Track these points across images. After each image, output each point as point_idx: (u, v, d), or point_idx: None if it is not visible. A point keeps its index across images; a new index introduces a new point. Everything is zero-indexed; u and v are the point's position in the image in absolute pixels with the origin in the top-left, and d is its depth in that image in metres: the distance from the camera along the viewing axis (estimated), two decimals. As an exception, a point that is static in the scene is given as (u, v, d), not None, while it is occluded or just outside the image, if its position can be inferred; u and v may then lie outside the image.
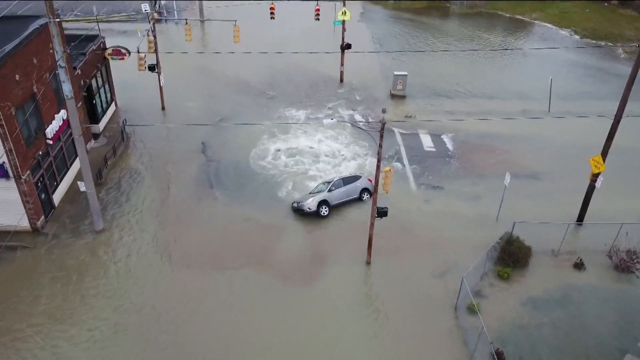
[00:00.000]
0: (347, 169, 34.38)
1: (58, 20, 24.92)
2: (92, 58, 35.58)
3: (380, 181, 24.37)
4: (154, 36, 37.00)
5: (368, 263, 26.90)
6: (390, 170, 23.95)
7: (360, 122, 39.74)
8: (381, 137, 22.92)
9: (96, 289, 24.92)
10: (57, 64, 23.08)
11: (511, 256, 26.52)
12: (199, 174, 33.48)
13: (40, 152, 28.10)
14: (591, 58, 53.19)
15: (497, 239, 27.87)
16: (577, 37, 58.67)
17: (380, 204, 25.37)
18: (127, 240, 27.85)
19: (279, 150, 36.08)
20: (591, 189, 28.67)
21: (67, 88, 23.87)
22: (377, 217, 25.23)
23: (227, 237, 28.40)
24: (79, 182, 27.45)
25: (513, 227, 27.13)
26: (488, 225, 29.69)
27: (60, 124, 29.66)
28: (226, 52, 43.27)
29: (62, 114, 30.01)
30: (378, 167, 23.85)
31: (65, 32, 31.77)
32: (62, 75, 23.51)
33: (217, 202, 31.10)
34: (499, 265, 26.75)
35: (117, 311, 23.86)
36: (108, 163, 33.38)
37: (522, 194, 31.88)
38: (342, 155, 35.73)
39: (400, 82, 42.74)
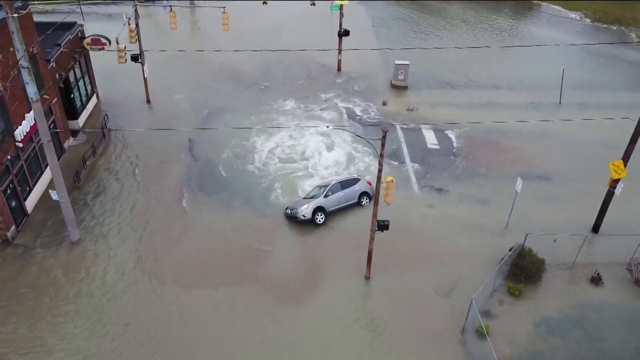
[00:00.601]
0: (345, 169, 32.02)
1: (23, 12, 22.34)
2: (69, 48, 32.82)
3: (382, 192, 22.07)
4: (137, 24, 34.18)
5: (367, 278, 24.76)
6: (392, 181, 21.61)
7: (359, 116, 37.23)
8: (382, 146, 20.52)
9: (69, 313, 22.74)
10: (19, 64, 20.49)
11: (523, 271, 24.38)
12: (185, 176, 31.07)
13: (9, 157, 25.64)
14: (601, 43, 50.39)
15: (507, 250, 25.77)
16: (587, 20, 55.76)
17: (381, 211, 23.09)
18: (106, 254, 25.56)
19: (271, 148, 33.62)
20: (609, 196, 26.39)
21: (31, 90, 21.32)
22: (378, 230, 22.99)
23: (214, 249, 26.14)
24: (50, 191, 25.06)
25: (525, 239, 24.92)
26: (497, 233, 27.49)
27: (32, 124, 27.12)
28: (217, 39, 40.56)
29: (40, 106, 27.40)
30: (379, 178, 21.51)
31: (44, 14, 29.02)
32: (26, 76, 20.95)
33: (203, 208, 28.74)
34: (510, 281, 24.63)
35: (92, 338, 21.70)
36: (87, 164, 30.94)
37: (532, 197, 29.64)
38: (339, 154, 33.35)
39: (402, 72, 40.09)
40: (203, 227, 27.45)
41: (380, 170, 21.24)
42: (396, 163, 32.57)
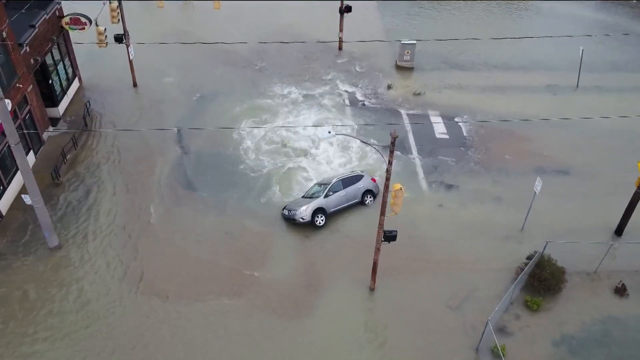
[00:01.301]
0: (346, 161, 29.65)
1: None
2: (45, 29, 29.96)
3: (389, 201, 19.80)
4: (119, 2, 31.20)
5: (372, 289, 22.70)
6: (401, 189, 19.28)
7: (361, 101, 34.58)
8: (391, 153, 18.10)
9: (45, 331, 20.73)
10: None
11: (542, 283, 22.29)
12: (173, 172, 28.68)
13: (-23, 155, 23.30)
14: (621, 17, 47.15)
15: (523, 256, 23.76)
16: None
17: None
18: (87, 263, 23.43)
19: (265, 137, 31.14)
20: (637, 197, 24.12)
21: (-7, 87, 18.79)
22: (385, 241, 20.80)
23: (205, 256, 23.98)
24: (23, 195, 22.74)
25: (545, 247, 22.74)
26: (512, 237, 25.32)
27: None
28: (209, 16, 37.56)
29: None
30: (387, 186, 19.18)
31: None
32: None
33: (193, 208, 26.44)
34: (527, 292, 22.59)
35: (69, 361, 19.80)
36: (67, 157, 28.53)
37: (549, 194, 27.23)
38: (341, 146, 30.91)
39: (408, 53, 37.21)
40: (194, 231, 25.23)
41: (388, 179, 18.87)
42: (402, 155, 30.15)
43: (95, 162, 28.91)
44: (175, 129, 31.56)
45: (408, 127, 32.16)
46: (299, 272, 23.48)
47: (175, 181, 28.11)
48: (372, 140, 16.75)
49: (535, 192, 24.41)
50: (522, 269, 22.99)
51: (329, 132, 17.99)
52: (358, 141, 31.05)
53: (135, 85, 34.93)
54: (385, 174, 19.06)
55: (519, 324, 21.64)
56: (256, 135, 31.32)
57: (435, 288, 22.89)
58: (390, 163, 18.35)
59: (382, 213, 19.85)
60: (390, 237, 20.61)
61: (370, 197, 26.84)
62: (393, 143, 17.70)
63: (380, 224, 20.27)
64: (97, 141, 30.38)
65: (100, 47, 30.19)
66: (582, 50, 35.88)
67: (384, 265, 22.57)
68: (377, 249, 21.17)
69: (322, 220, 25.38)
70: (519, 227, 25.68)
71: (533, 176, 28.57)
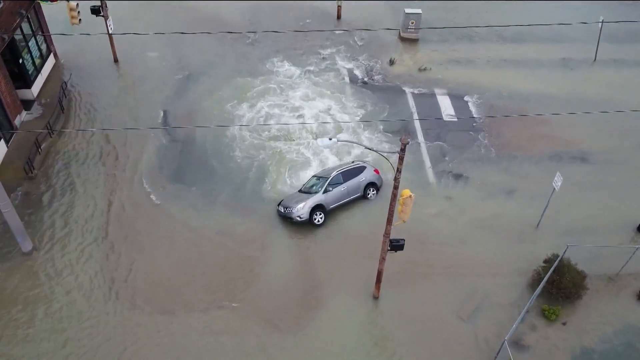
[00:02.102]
0: (345, 146, 27.37)
1: None
2: (11, 3, 26.91)
3: (397, 208, 17.70)
4: (94, -30, 28.12)
5: (376, 298, 20.86)
6: (411, 197, 17.13)
7: (361, 79, 31.93)
8: (401, 160, 15.85)
9: (17, 346, 18.91)
10: None
11: (561, 291, 20.46)
12: (160, 162, 26.34)
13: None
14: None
15: (539, 259, 21.88)
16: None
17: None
18: (64, 270, 21.40)
19: (260, 121, 28.71)
20: (665, 192, 22.09)
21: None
22: (391, 251, 18.81)
23: (194, 261, 21.98)
24: (-12, 199, 20.49)
25: (565, 251, 20.78)
26: (527, 235, 23.36)
27: (-35, 108, 22.13)
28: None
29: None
30: (394, 195, 17.02)
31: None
32: None
33: (181, 206, 24.26)
34: (544, 300, 20.79)
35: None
36: (42, 147, 26.11)
37: (566, 184, 24.99)
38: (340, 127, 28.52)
39: (412, 23, 34.29)
40: (182, 231, 23.13)
41: (396, 187, 16.68)
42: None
43: (73, 151, 26.50)
44: (161, 112, 29.04)
45: (413, 109, 29.70)
46: (297, 277, 21.55)
47: (162, 174, 25.81)
48: (380, 141, 14.61)
49: (554, 189, 22.29)
50: (538, 274, 21.18)
51: (330, 139, 15.67)
52: (361, 121, 28.73)
53: (116, 60, 32.10)
54: (395, 176, 16.84)
55: (536, 336, 19.93)
56: (250, 119, 28.85)
57: (444, 295, 21.05)
58: (399, 171, 16.11)
59: (389, 222, 17.75)
60: (397, 246, 18.60)
61: (373, 191, 24.71)
62: (403, 150, 15.42)
63: (387, 233, 18.20)
64: (76, 127, 27.86)
65: (72, 24, 27.24)
66: (602, 20, 32.99)
67: (388, 269, 20.64)
68: (382, 259, 19.17)
69: (321, 219, 23.32)
70: (534, 223, 23.69)
71: (548, 164, 26.66)
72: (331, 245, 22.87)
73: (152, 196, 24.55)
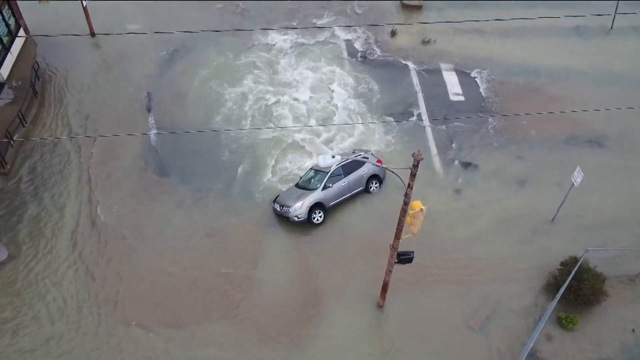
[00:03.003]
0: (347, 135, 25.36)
1: None
2: (-30, -25, 24.11)
3: (406, 218, 15.98)
4: None
5: (380, 306, 19.43)
6: (422, 210, 15.38)
7: (360, 53, 29.47)
8: (413, 177, 13.98)
9: None
10: None
11: (579, 297, 19.07)
12: (144, 153, 24.29)
13: None
14: None
15: (554, 256, 20.48)
16: None
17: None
18: (43, 280, 19.75)
19: (252, 102, 26.50)
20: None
21: None
22: (398, 263, 17.22)
23: (183, 269, 20.34)
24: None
25: (584, 254, 19.28)
26: (541, 230, 21.83)
27: None
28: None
29: None
30: (404, 210, 15.24)
31: None
32: None
33: (168, 203, 22.41)
34: (561, 306, 19.40)
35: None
36: (14, 138, 23.92)
37: (582, 171, 23.50)
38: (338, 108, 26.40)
39: (415, -11, 31.58)
40: (169, 235, 21.38)
41: (406, 203, 14.87)
42: (412, 123, 25.83)
43: (49, 142, 24.34)
44: (145, 95, 26.71)
45: (417, 87, 27.48)
46: (296, 285, 20.03)
47: (147, 165, 23.82)
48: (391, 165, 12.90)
49: (572, 184, 20.54)
50: (554, 277, 19.76)
51: (333, 157, 13.73)
52: (361, 107, 26.61)
53: (92, 34, 29.37)
54: (405, 192, 15.00)
55: (552, 348, 18.68)
56: (242, 101, 26.62)
57: (454, 302, 19.65)
58: (410, 187, 14.26)
59: (397, 237, 16.06)
60: (405, 259, 16.98)
61: (376, 183, 22.90)
62: (416, 166, 13.53)
63: (394, 247, 16.53)
64: (51, 114, 25.58)
65: (40, 3, 24.47)
66: (621, -16, 30.36)
67: (392, 274, 19.11)
68: (389, 271, 17.59)
69: (321, 217, 21.61)
70: (549, 217, 22.09)
71: (562, 148, 24.92)
72: (331, 246, 21.25)
73: (136, 194, 22.65)
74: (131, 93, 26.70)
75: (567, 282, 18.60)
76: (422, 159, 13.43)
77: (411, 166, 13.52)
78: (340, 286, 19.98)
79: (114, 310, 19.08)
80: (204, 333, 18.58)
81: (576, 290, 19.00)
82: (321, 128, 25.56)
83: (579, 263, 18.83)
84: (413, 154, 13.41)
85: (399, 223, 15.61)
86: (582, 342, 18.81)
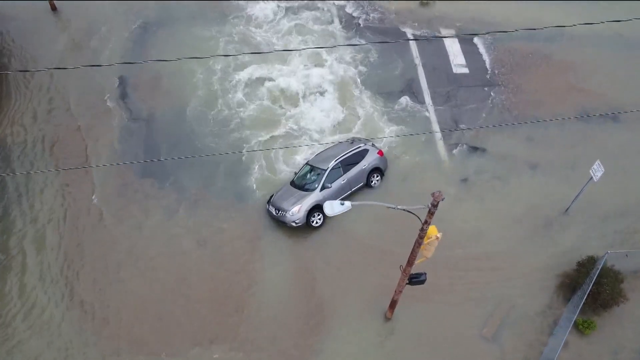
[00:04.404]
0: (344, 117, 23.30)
1: None
2: None
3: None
4: None
5: (388, 319, 18.27)
6: (438, 238, 13.84)
7: (355, 20, 26.74)
8: (431, 216, 12.29)
9: None
10: None
11: (597, 301, 18.02)
12: (120, 148, 22.11)
13: None
14: None
15: (569, 252, 19.38)
16: None
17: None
18: (16, 296, 18.21)
19: (244, 86, 24.12)
20: None
21: None
22: (409, 284, 15.85)
23: (172, 283, 18.82)
24: None
25: (603, 258, 18.03)
26: (554, 222, 20.44)
27: None
28: None
29: None
30: (418, 243, 13.64)
31: None
32: None
33: (152, 209, 20.55)
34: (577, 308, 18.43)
35: None
36: (-25, 139, 21.61)
37: (596, 151, 21.93)
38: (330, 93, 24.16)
39: (411, -60, 28.31)
40: (153, 243, 19.70)
41: (421, 237, 13.24)
42: (412, 104, 23.74)
43: (12, 138, 21.98)
44: (116, 80, 24.14)
45: (417, 59, 25.14)
46: (297, 297, 18.65)
47: (124, 165, 21.70)
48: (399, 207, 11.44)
49: (591, 177, 18.97)
50: (570, 278, 18.63)
51: (342, 204, 11.90)
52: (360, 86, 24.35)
53: (54, 9, 26.23)
54: (422, 227, 13.33)
55: (569, 355, 17.78)
56: (230, 77, 24.19)
57: (464, 310, 18.48)
58: (427, 223, 12.60)
59: (410, 264, 14.56)
60: (417, 282, 15.60)
61: (377, 177, 21.16)
62: (435, 206, 11.81)
63: (406, 273, 15.08)
64: (11, 105, 23.04)
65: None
66: None
67: (398, 276, 17.86)
68: (399, 292, 16.25)
69: (320, 220, 19.99)
70: (562, 206, 20.67)
71: (575, 126, 23.21)
72: (332, 252, 19.75)
73: (115, 200, 20.71)
74: (101, 78, 24.09)
75: (588, 291, 17.44)
76: (442, 200, 11.70)
77: (430, 205, 11.79)
78: (342, 299, 18.62)
79: (109, 333, 17.72)
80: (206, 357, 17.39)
81: (595, 294, 17.92)
82: (313, 110, 23.44)
83: (599, 270, 17.61)
84: (433, 194, 11.66)
85: (412, 252, 14.06)
86: (598, 347, 17.91)
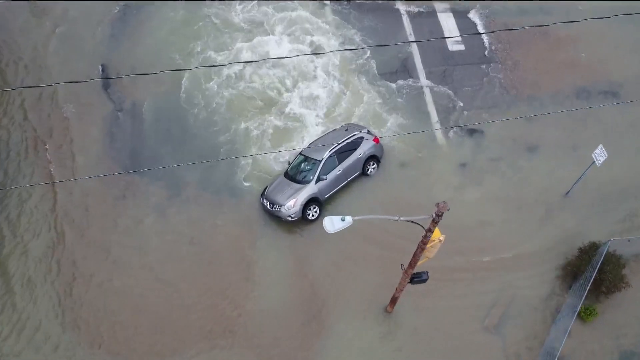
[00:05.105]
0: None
1: None
2: None
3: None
4: None
5: (388, 312, 17.99)
6: (441, 240, 13.39)
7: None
8: (435, 224, 11.77)
9: None
10: None
11: (600, 288, 17.81)
12: (105, 142, 21.22)
13: None
14: None
15: (570, 237, 19.15)
16: None
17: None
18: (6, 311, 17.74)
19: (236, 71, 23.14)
20: None
21: None
22: (411, 283, 15.49)
23: (165, 285, 18.35)
24: None
25: (606, 245, 17.74)
26: (555, 207, 20.08)
27: None
28: None
29: None
30: (422, 248, 13.16)
31: None
32: None
33: (141, 205, 19.86)
34: (579, 297, 18.22)
35: None
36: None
37: (596, 128, 21.44)
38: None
39: None
40: (144, 242, 19.12)
41: (425, 243, 12.76)
42: (407, 83, 22.92)
43: (-6, 138, 21.08)
44: (99, 67, 23.03)
45: (411, 36, 24.15)
46: (294, 296, 18.28)
47: (111, 158, 20.92)
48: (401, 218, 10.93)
49: (595, 161, 18.47)
50: (572, 266, 18.37)
51: (343, 220, 11.30)
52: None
53: (28, -8, 24.77)
54: (425, 234, 12.80)
55: (571, 343, 17.63)
56: (221, 66, 23.18)
57: (464, 300, 18.27)
58: (430, 231, 12.10)
59: (411, 266, 14.15)
60: (418, 281, 15.21)
61: (373, 165, 20.55)
62: (440, 216, 11.28)
63: (408, 274, 14.68)
64: (-9, 100, 22.01)
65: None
66: None
67: (399, 275, 17.50)
68: (400, 290, 15.90)
69: (316, 212, 19.48)
70: (563, 189, 20.25)
71: (575, 103, 22.55)
72: (329, 245, 19.21)
73: (102, 196, 20.00)
74: (83, 66, 22.95)
75: (591, 279, 17.19)
76: (448, 210, 11.17)
77: (434, 215, 11.25)
78: (341, 293, 18.31)
79: (101, 343, 17.35)
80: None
81: (597, 282, 17.70)
82: (304, 95, 22.60)
83: (602, 258, 17.32)
84: (437, 205, 11.11)
85: (414, 256, 13.61)
86: (600, 334, 17.82)
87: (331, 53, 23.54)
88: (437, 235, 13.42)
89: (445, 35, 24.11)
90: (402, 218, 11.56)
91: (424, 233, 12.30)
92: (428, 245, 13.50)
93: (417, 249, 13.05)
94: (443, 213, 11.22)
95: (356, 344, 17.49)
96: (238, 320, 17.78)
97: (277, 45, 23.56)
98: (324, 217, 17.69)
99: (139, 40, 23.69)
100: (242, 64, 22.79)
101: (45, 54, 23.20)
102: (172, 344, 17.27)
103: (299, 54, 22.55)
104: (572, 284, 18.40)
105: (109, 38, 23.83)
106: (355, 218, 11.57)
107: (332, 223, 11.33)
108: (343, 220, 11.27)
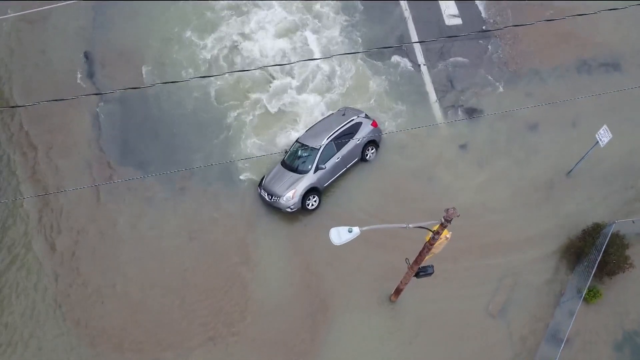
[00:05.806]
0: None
1: None
2: None
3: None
4: None
5: (392, 301, 17.85)
6: (448, 238, 13.08)
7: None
8: (442, 227, 11.40)
9: None
10: None
11: (604, 270, 17.71)
12: (94, 135, 20.51)
13: None
14: None
15: (572, 216, 19.04)
16: None
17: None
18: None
19: (217, 51, 22.28)
20: None
21: None
22: (416, 277, 15.27)
23: (165, 281, 18.04)
24: None
25: (610, 227, 17.55)
26: (557, 186, 19.81)
27: None
28: None
29: None
30: (428, 249, 12.86)
31: None
32: None
33: (134, 200, 19.33)
34: (581, 278, 18.16)
35: None
36: None
37: (596, 104, 20.94)
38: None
39: None
40: (141, 238, 18.71)
41: (432, 244, 12.45)
42: (403, 61, 22.21)
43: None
44: (82, 56, 22.06)
45: (407, 14, 23.26)
46: (296, 288, 18.06)
47: (101, 152, 20.27)
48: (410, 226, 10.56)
49: (598, 141, 18.08)
50: (576, 248, 18.22)
51: (350, 231, 10.88)
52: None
53: (1, -25, 23.43)
54: (432, 235, 12.44)
55: (575, 325, 17.55)
56: (212, 51, 22.27)
57: (471, 287, 18.13)
58: (437, 233, 11.76)
59: (417, 262, 13.88)
60: (424, 275, 14.98)
61: (372, 150, 20.05)
62: (449, 221, 10.92)
63: (413, 270, 14.43)
64: (-29, 94, 21.11)
65: None
66: None
67: (400, 261, 17.17)
68: (405, 282, 15.69)
69: (316, 202, 19.06)
70: (565, 168, 19.95)
71: (576, 78, 22.18)
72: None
73: (94, 190, 19.45)
74: (65, 54, 21.99)
75: (597, 261, 17.04)
76: (457, 216, 10.79)
77: (443, 220, 10.89)
78: (344, 284, 18.09)
79: (100, 340, 17.14)
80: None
81: (601, 264, 17.57)
82: (296, 74, 21.89)
83: (607, 240, 17.15)
84: (447, 210, 10.72)
85: (420, 254, 13.33)
86: (604, 315, 17.83)
87: (325, 30, 22.76)
88: (444, 233, 13.11)
89: (442, 9, 23.25)
90: (410, 225, 11.18)
91: (432, 235, 11.95)
92: (435, 245, 13.22)
93: (423, 249, 12.75)
94: (452, 219, 10.85)
95: (361, 332, 17.39)
96: (236, 315, 17.55)
97: (270, 14, 22.72)
98: (326, 213, 17.64)
99: (127, 24, 22.64)
100: (228, 43, 21.93)
101: (22, 41, 22.16)
102: (173, 339, 17.09)
103: (300, 53, 21.71)
104: (576, 265, 18.31)
105: (91, 22, 22.76)
106: (363, 229, 11.18)
107: (339, 235, 10.95)
108: (350, 231, 10.88)
